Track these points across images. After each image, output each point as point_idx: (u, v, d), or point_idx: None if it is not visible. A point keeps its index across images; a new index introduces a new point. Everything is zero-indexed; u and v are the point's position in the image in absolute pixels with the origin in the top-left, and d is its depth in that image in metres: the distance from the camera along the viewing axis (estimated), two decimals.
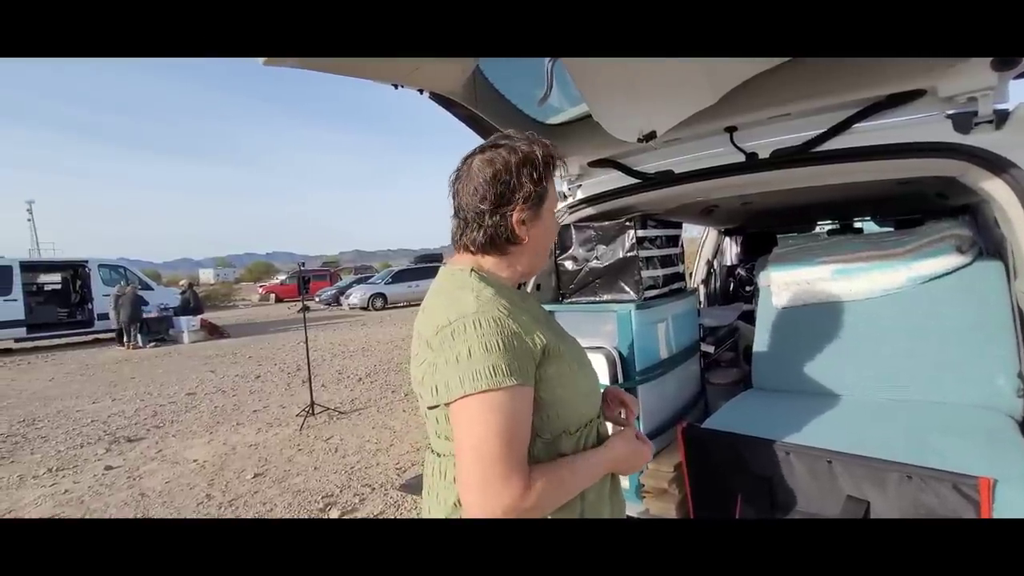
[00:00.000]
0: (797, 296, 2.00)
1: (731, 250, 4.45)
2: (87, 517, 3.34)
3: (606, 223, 1.98)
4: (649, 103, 1.57)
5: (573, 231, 2.07)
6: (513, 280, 0.98)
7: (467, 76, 1.69)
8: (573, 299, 2.07)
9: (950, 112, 1.43)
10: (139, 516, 3.31)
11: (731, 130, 1.75)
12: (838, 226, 4.03)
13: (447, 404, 0.80)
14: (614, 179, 2.08)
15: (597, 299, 2.00)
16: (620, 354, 1.83)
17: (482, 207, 0.90)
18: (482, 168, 0.91)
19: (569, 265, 2.08)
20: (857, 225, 4.10)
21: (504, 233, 0.91)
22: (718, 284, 4.21)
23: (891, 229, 3.10)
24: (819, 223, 4.12)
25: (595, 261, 2.00)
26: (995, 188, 1.36)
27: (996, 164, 1.33)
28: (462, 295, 0.86)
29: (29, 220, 33.78)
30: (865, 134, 1.53)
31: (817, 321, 1.92)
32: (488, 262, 0.95)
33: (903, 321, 1.76)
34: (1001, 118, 1.36)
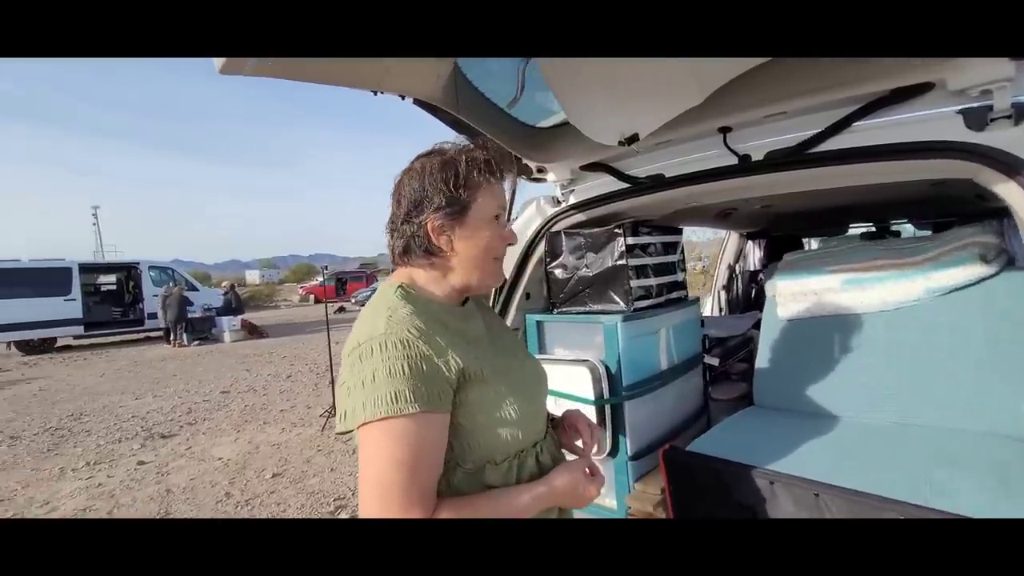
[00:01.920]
0: (804, 308, 1.86)
1: (754, 254, 4.23)
2: (109, 515, 3.50)
3: (595, 230, 1.89)
4: (630, 104, 1.48)
5: (563, 238, 1.99)
6: (449, 295, 0.92)
7: (444, 79, 1.64)
8: (564, 309, 1.98)
9: (962, 107, 1.26)
10: (162, 511, 3.45)
11: (725, 131, 1.63)
12: (874, 229, 3.77)
13: (354, 431, 0.77)
14: (607, 184, 1.98)
15: (587, 309, 1.91)
16: (607, 368, 1.74)
17: (400, 214, 0.88)
18: (404, 177, 0.89)
19: (559, 273, 2.00)
20: (894, 228, 3.83)
21: (421, 243, 0.87)
22: (740, 290, 4.02)
23: (929, 233, 2.87)
24: (852, 226, 3.85)
25: (584, 270, 1.91)
26: (1009, 192, 1.20)
27: (1012, 166, 1.17)
28: (378, 313, 0.82)
29: (94, 224, 36.33)
30: (867, 133, 1.39)
31: (824, 335, 1.78)
32: (420, 276, 0.91)
33: (918, 337, 1.59)
34: (1020, 113, 1.19)
